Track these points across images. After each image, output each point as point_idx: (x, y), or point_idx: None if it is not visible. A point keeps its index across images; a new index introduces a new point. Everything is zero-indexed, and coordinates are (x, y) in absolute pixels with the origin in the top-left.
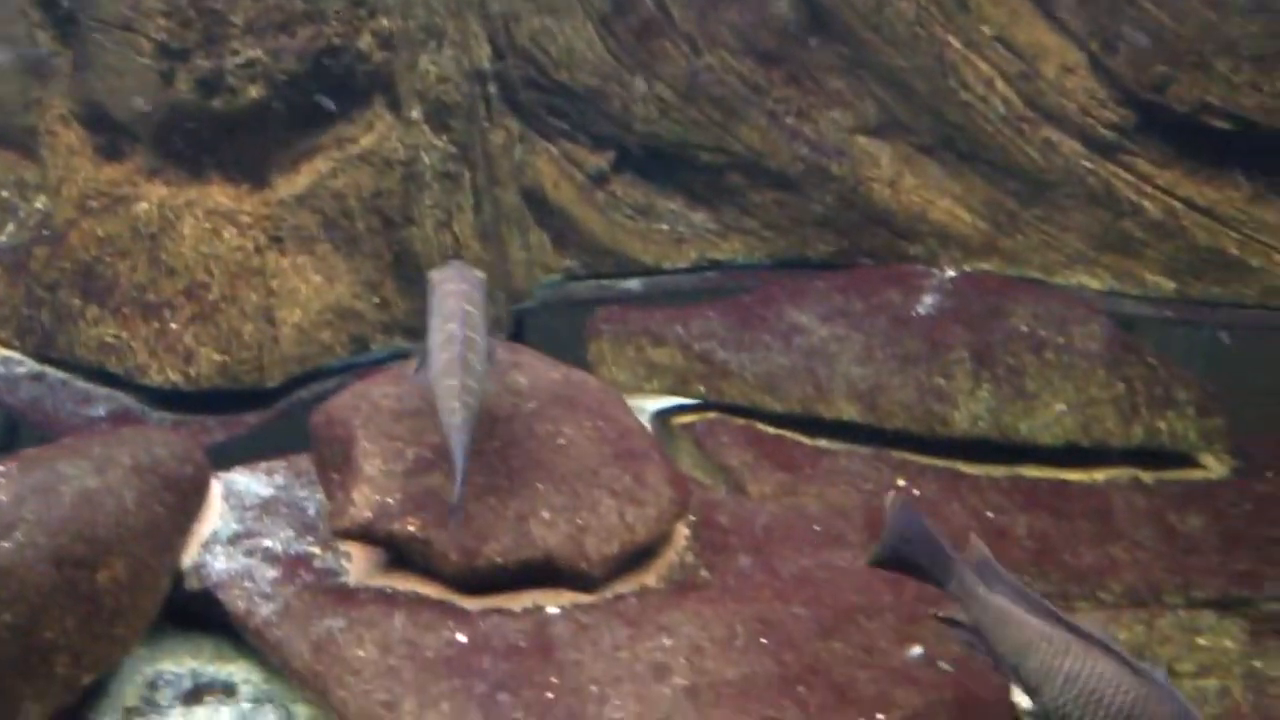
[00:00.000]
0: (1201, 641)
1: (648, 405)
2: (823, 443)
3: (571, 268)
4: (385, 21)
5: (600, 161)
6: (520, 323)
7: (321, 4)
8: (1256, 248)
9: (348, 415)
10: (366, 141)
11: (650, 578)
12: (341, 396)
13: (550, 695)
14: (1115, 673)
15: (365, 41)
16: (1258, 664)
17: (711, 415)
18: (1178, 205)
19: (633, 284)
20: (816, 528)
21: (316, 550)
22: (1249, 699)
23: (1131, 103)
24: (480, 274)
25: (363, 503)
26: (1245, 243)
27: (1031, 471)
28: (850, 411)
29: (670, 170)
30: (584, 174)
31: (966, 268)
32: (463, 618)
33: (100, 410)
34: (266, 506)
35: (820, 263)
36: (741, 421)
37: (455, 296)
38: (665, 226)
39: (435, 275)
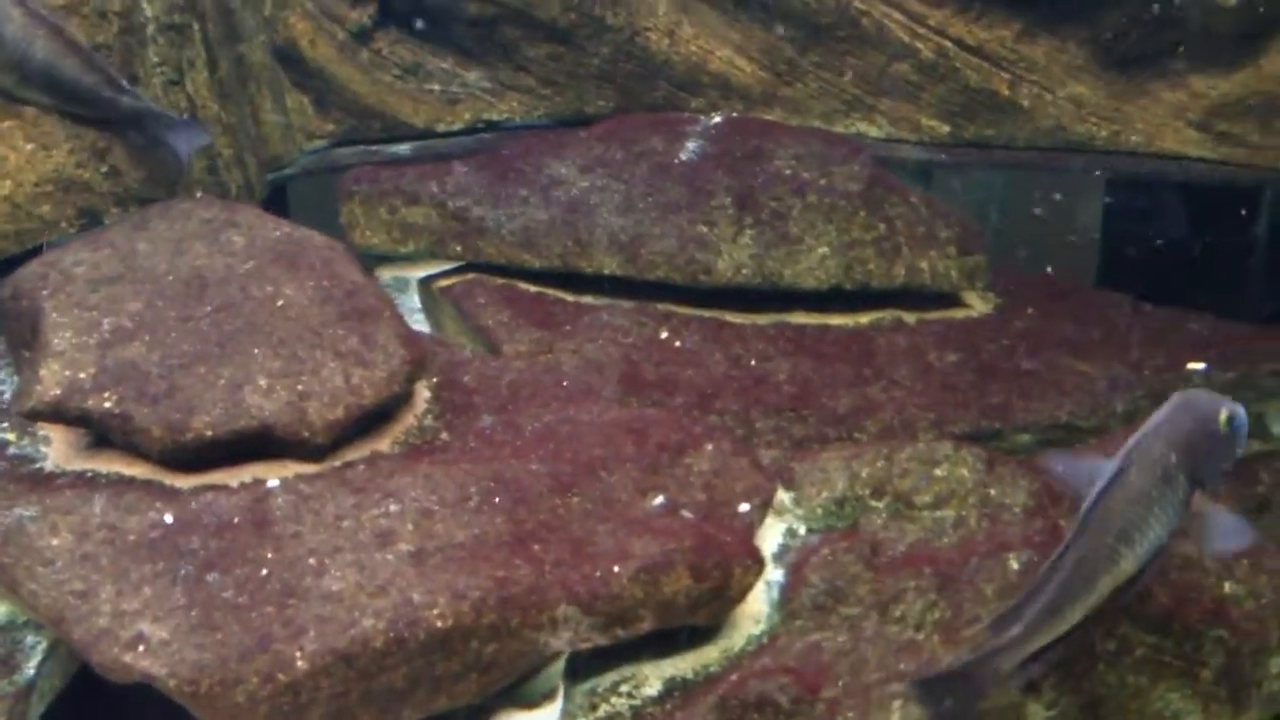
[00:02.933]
0: (938, 473)
1: (415, 274)
2: (586, 298)
3: (336, 133)
4: None
5: (360, 16)
6: (281, 191)
7: None
8: (1027, 88)
9: (35, 286)
10: None
11: (384, 443)
12: (29, 266)
13: (265, 571)
14: None
15: None
16: (992, 492)
17: (470, 276)
18: (949, 46)
19: (403, 148)
20: (565, 383)
21: (10, 436)
22: (984, 526)
23: None
24: None
25: (50, 380)
26: (1016, 83)
27: (798, 318)
28: (611, 264)
29: (438, 25)
30: (344, 31)
31: (735, 115)
32: (171, 497)
33: None
34: None
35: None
36: (500, 281)
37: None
38: (436, 86)
39: None
